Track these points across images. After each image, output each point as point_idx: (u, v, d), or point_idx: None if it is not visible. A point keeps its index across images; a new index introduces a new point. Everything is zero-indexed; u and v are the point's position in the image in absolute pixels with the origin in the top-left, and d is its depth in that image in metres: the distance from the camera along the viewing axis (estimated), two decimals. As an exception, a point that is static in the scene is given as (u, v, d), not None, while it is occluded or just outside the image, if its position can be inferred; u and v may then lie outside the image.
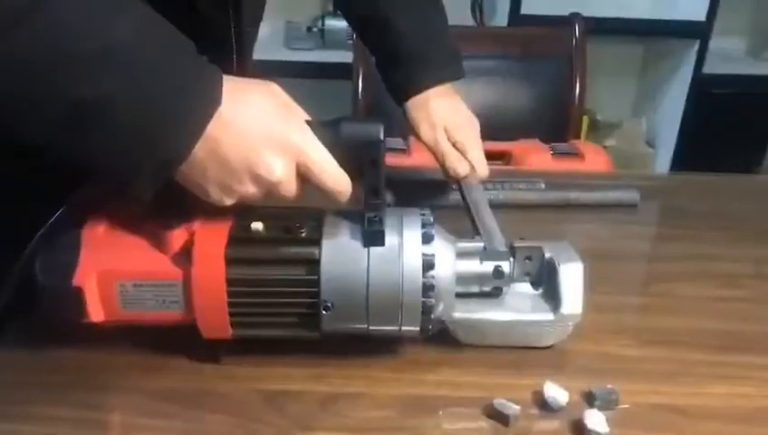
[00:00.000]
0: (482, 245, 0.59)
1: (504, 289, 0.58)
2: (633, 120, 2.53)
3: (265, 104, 0.49)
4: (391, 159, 1.18)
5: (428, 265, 0.52)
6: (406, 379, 0.56)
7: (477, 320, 0.57)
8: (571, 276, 0.56)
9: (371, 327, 0.54)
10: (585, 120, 2.20)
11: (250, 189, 0.49)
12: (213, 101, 0.47)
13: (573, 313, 0.56)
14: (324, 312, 0.52)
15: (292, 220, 0.54)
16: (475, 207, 0.67)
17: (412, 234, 0.53)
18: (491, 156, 1.20)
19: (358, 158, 0.51)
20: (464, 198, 0.72)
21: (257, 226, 0.53)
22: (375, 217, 0.52)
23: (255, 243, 0.53)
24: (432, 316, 0.54)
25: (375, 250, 0.52)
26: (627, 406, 0.53)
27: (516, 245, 0.59)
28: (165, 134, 0.46)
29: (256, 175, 0.48)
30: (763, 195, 0.99)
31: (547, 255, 0.58)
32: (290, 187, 0.50)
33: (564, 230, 0.83)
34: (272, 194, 0.50)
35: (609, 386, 0.54)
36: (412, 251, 0.52)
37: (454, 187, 0.79)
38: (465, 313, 0.57)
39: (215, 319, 0.53)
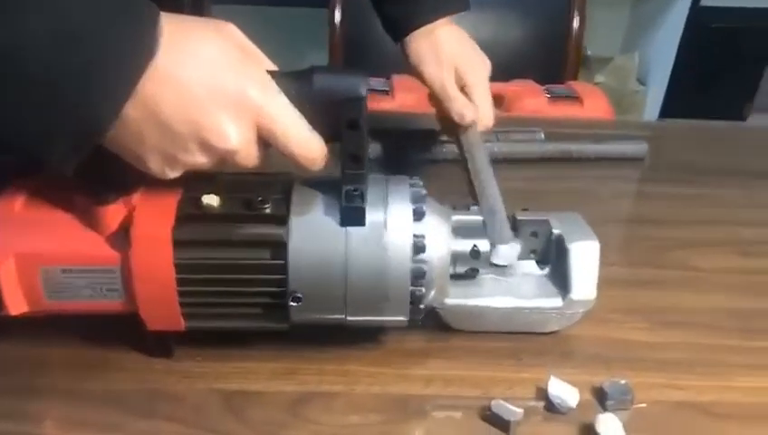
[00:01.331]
0: (480, 218, 0.51)
1: (508, 269, 0.49)
2: (625, 56, 2.41)
3: (216, 51, 0.39)
4: (372, 103, 1.08)
5: (419, 247, 0.44)
6: (389, 374, 0.48)
7: (474, 307, 0.49)
8: (584, 257, 0.48)
9: (350, 318, 0.46)
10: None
11: (199, 159, 0.40)
12: (147, 47, 0.37)
13: (586, 298, 0.49)
14: (293, 303, 0.44)
15: (254, 192, 0.45)
16: (475, 168, 0.58)
17: (400, 210, 0.44)
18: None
19: (334, 117, 0.42)
20: (462, 153, 0.63)
21: (211, 199, 0.44)
22: (355, 190, 0.43)
23: (209, 221, 0.44)
24: (422, 306, 0.45)
25: (354, 230, 0.44)
26: (643, 405, 0.46)
27: (520, 218, 0.50)
28: (84, 90, 0.36)
29: (205, 142, 0.39)
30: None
31: (555, 230, 0.49)
32: (249, 155, 0.40)
33: (566, 188, 0.75)
34: (227, 163, 0.41)
35: (622, 381, 0.47)
36: (399, 231, 0.44)
37: (445, 138, 0.69)
38: (459, 298, 0.49)
39: (162, 310, 0.45)
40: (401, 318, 0.46)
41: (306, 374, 0.48)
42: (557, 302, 0.49)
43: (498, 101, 1.14)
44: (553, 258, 0.50)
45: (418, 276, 0.44)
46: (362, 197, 0.43)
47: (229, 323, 0.46)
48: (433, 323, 0.51)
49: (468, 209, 0.52)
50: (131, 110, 0.37)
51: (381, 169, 0.76)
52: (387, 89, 1.08)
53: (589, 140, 0.79)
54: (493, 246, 0.48)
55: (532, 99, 1.10)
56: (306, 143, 0.41)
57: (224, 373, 0.48)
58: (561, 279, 0.49)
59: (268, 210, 0.44)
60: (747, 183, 0.77)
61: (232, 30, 0.41)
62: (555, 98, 1.10)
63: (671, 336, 0.53)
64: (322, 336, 0.49)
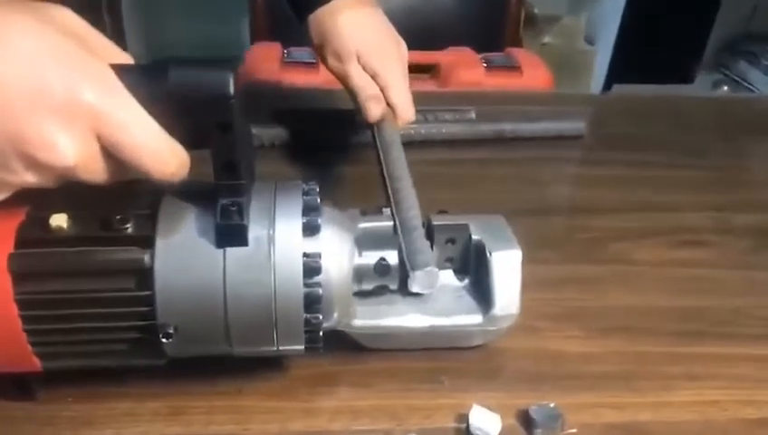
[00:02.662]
0: (390, 224, 0.44)
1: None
2: (573, 16, 2.36)
3: (40, 43, 0.31)
4: (298, 77, 1.00)
5: (312, 269, 0.37)
6: (290, 409, 0.42)
7: (384, 327, 0.43)
8: (506, 267, 0.42)
9: (237, 350, 0.39)
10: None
11: (27, 178, 0.32)
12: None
13: (508, 313, 0.43)
14: (165, 340, 0.37)
15: (112, 209, 0.37)
16: (389, 172, 0.51)
17: (289, 224, 0.38)
18: (415, 69, 1.04)
19: (198, 120, 0.34)
20: (377, 148, 0.56)
21: (59, 220, 0.36)
22: (232, 204, 0.36)
23: (57, 245, 0.36)
24: (321, 332, 0.39)
25: (234, 252, 0.37)
26: (574, 431, 0.42)
27: (435, 223, 0.44)
28: None
29: (31, 158, 0.31)
30: (722, 118, 0.86)
31: (475, 236, 0.43)
32: (94, 169, 0.33)
33: (496, 174, 0.69)
34: (70, 179, 0.33)
35: (551, 405, 0.42)
36: (289, 250, 0.37)
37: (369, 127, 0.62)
38: (368, 319, 0.43)
39: (10, 351, 0.37)
40: (298, 347, 0.40)
41: (193, 413, 0.41)
42: (477, 318, 0.43)
43: (433, 70, 1.07)
44: (473, 268, 0.44)
45: (313, 302, 0.38)
46: (241, 212, 0.36)
47: (94, 361, 0.39)
48: (342, 343, 0.45)
49: (381, 213, 0.46)
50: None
51: (289, 157, 0.69)
52: (313, 60, 1.00)
53: (524, 118, 0.73)
54: (410, 269, 0.41)
55: (468, 69, 1.03)
56: (160, 153, 0.34)
57: (97, 417, 0.41)
58: (481, 292, 0.43)
59: (129, 230, 0.37)
60: (684, 160, 0.72)
61: (64, 15, 0.33)
62: (493, 68, 1.03)
63: (607, 345, 0.48)
64: (213, 365, 0.42)
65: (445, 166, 0.69)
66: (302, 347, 0.40)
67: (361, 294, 0.43)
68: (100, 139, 0.32)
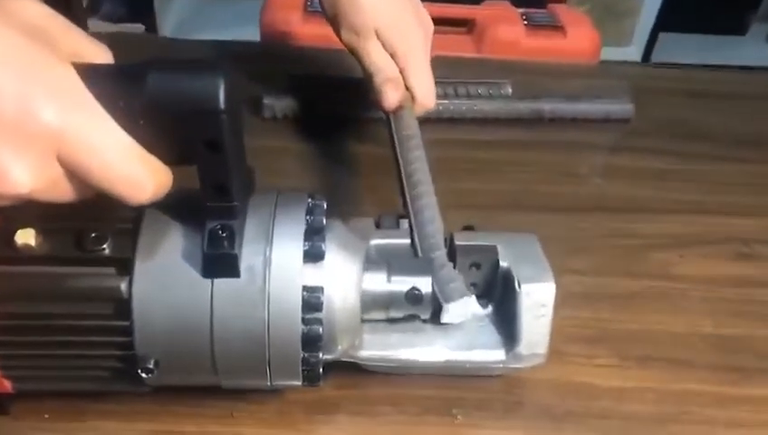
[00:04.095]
0: (407, 241, 0.39)
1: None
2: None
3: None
4: (319, 29, 0.92)
5: (312, 305, 0.32)
6: (285, 441, 0.38)
7: (394, 360, 0.38)
8: (537, 302, 0.37)
9: (225, 383, 0.35)
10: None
11: (-21, 203, 0.27)
12: None
13: (535, 352, 0.38)
14: (144, 375, 0.33)
15: (87, 223, 0.32)
16: (406, 171, 0.45)
17: (288, 251, 0.33)
18: (449, 22, 0.97)
19: (182, 132, 0.29)
20: (392, 141, 0.50)
21: (26, 236, 0.32)
22: (221, 229, 0.31)
23: (23, 265, 0.32)
24: (320, 369, 0.35)
25: (223, 283, 0.32)
26: (599, 483, 0.37)
27: (459, 243, 0.38)
28: None
29: (-20, 183, 0.26)
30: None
31: (503, 263, 0.38)
32: (54, 194, 0.28)
33: (529, 160, 0.62)
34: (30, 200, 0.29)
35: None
36: (286, 282, 0.32)
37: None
38: (375, 349, 0.38)
39: (-24, 373, 0.34)
40: (293, 383, 0.35)
41: (182, 439, 0.38)
42: (499, 354, 0.38)
43: (468, 25, 0.99)
44: (498, 296, 0.39)
45: (312, 341, 0.33)
46: (232, 238, 0.31)
47: (72, 385, 0.36)
48: (344, 364, 0.40)
49: (397, 226, 0.40)
50: None
51: (301, 132, 0.63)
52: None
53: (565, 97, 0.66)
54: (443, 301, 0.36)
55: (507, 26, 0.94)
56: (135, 177, 0.28)
57: (76, 437, 0.38)
58: (506, 324, 0.38)
59: (106, 251, 0.32)
60: (744, 154, 0.65)
61: (25, 7, 0.28)
62: (534, 26, 0.95)
63: (642, 379, 0.43)
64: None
65: (471, 148, 0.63)
66: (299, 383, 0.35)
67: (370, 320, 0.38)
68: (61, 162, 0.27)
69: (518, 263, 0.37)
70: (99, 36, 0.32)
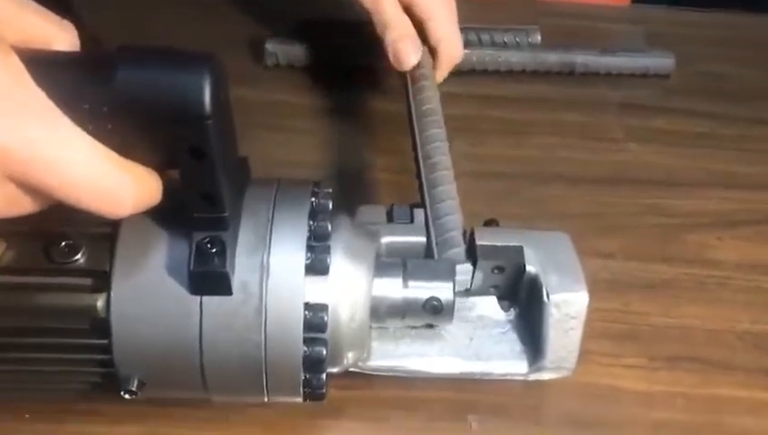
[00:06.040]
0: (423, 239, 0.35)
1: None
2: None
3: None
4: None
5: (315, 326, 0.29)
6: (286, 448, 0.36)
7: (404, 370, 0.35)
8: (566, 315, 0.33)
9: (216, 398, 0.32)
10: None
11: None
12: None
13: (561, 367, 0.34)
14: (127, 396, 0.30)
15: (59, 229, 0.28)
16: (424, 144, 0.40)
17: (288, 262, 0.28)
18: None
19: (161, 139, 0.24)
20: (409, 114, 0.44)
21: (-10, 245, 0.28)
22: (210, 243, 0.27)
23: (-10, 277, 0.28)
24: (324, 387, 0.31)
25: (214, 300, 0.28)
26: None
27: (480, 243, 0.34)
28: None
29: None
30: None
31: (530, 268, 0.34)
32: (11, 211, 0.24)
33: (557, 120, 0.57)
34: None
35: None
36: (286, 300, 0.28)
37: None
38: (384, 359, 0.34)
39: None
40: (295, 399, 0.32)
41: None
42: (521, 367, 0.35)
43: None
44: (523, 301, 0.35)
45: (315, 363, 0.29)
46: (223, 253, 0.27)
47: (53, 396, 0.33)
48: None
49: (411, 220, 0.36)
50: None
51: (307, 85, 0.57)
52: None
53: (600, 49, 0.59)
54: None
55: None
56: (108, 191, 0.24)
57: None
58: (530, 332, 0.35)
59: (80, 262, 0.28)
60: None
61: None
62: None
63: (673, 382, 0.40)
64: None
65: (490, 105, 0.57)
66: (300, 399, 0.32)
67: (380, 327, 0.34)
68: (14, 182, 0.23)
69: (547, 268, 0.33)
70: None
